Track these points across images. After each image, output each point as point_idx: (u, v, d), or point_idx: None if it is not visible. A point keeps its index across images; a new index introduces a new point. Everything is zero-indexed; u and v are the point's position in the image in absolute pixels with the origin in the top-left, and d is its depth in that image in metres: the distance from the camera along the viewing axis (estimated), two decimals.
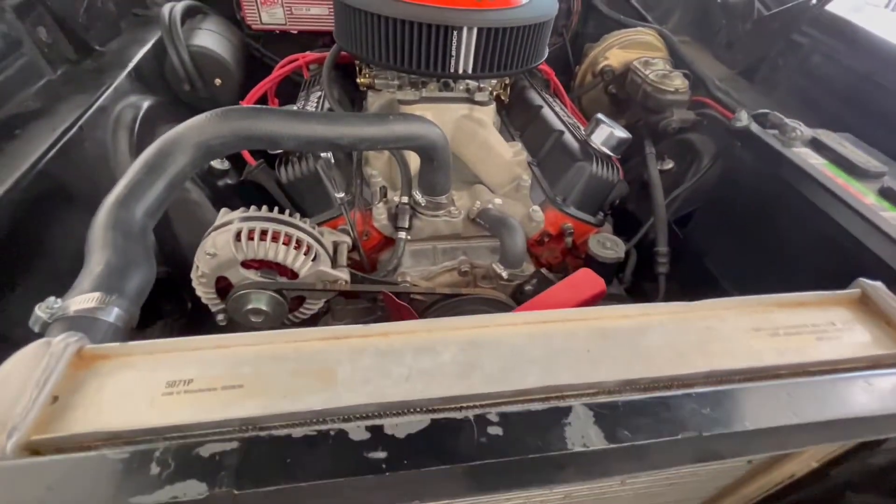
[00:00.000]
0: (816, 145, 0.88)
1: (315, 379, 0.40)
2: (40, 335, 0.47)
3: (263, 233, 0.78)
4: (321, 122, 0.72)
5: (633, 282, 1.12)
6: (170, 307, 1.09)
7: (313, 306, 0.88)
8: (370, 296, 0.94)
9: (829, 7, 1.19)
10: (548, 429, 0.31)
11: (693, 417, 0.33)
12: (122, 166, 0.95)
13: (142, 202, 0.59)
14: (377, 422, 0.31)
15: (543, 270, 0.94)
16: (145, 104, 1.06)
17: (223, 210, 0.84)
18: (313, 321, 0.94)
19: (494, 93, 1.15)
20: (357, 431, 0.30)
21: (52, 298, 0.45)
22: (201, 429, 0.36)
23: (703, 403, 0.34)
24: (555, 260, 1.11)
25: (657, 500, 0.74)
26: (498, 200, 1.01)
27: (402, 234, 0.95)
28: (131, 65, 1.09)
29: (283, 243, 0.79)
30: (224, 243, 0.76)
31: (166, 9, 1.17)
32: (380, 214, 0.96)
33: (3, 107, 0.87)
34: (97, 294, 0.47)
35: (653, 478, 0.64)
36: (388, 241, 1.02)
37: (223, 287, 0.83)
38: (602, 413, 0.33)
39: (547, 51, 1.05)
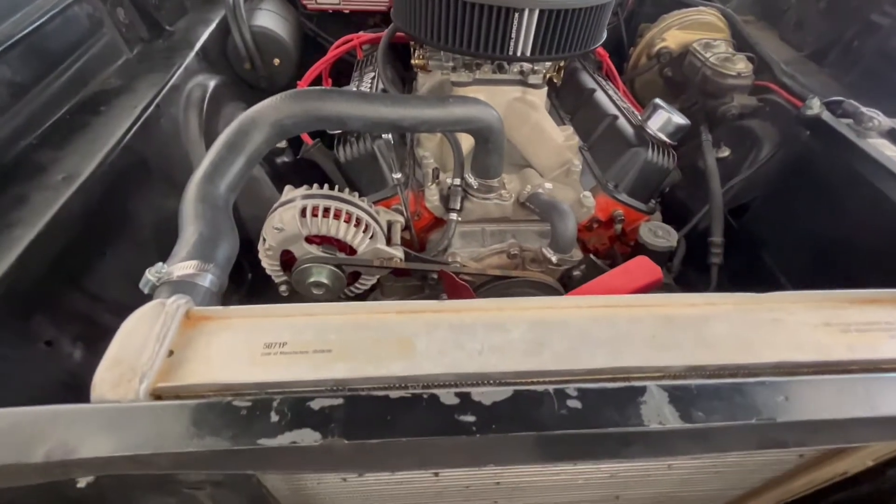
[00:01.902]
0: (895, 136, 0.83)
1: (396, 347, 0.43)
2: (142, 299, 0.52)
3: (326, 210, 0.82)
4: (386, 104, 0.74)
5: (681, 271, 1.11)
6: (230, 277, 1.16)
7: (367, 282, 0.92)
8: (420, 274, 0.97)
9: None
10: (625, 406, 0.33)
11: (767, 403, 0.34)
12: (192, 141, 1.01)
13: (225, 178, 0.63)
14: (465, 389, 0.33)
15: (592, 256, 0.94)
16: (212, 83, 1.11)
17: (287, 187, 0.88)
18: (362, 296, 0.98)
19: (548, 75, 1.14)
20: (447, 396, 0.33)
21: (160, 264, 0.50)
22: (299, 386, 0.40)
23: (777, 391, 0.35)
24: (602, 246, 1.11)
25: (701, 486, 0.75)
26: (548, 185, 1.01)
27: (454, 216, 0.97)
28: (198, 45, 1.14)
29: (345, 221, 0.82)
30: (290, 218, 0.80)
31: None
32: (432, 195, 0.98)
33: (88, 84, 0.94)
34: (195, 262, 0.52)
35: (701, 463, 0.65)
36: (439, 222, 1.04)
37: (286, 260, 0.88)
38: (677, 394, 0.34)
39: (605, 33, 1.03)
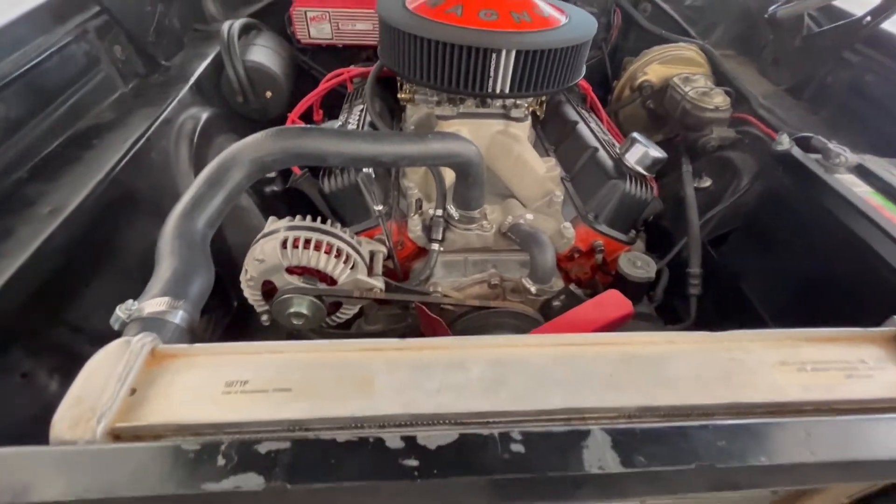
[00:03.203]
0: (862, 172, 0.86)
1: (355, 386, 0.44)
2: (117, 333, 0.53)
3: (307, 242, 0.83)
4: (365, 140, 0.77)
5: (665, 300, 1.12)
6: (216, 304, 1.17)
7: (349, 311, 0.93)
8: (402, 303, 0.98)
9: (883, 25, 1.15)
10: (567, 450, 0.34)
11: (708, 448, 0.35)
12: (182, 173, 1.04)
13: (203, 214, 0.65)
14: (411, 432, 0.34)
15: (572, 286, 0.95)
16: (204, 115, 1.15)
17: (271, 218, 0.90)
18: (347, 323, 0.99)
19: (530, 108, 1.18)
20: (393, 440, 0.34)
21: (130, 301, 0.52)
22: (256, 426, 0.40)
23: (720, 435, 0.36)
24: (584, 276, 1.12)
25: None
26: (529, 216, 1.03)
27: (436, 246, 0.98)
28: (192, 79, 1.18)
29: (325, 252, 0.84)
30: (271, 250, 0.82)
31: (225, 26, 1.26)
32: (415, 226, 1.00)
33: (82, 118, 0.97)
34: (166, 298, 0.53)
35: (674, 500, 0.64)
36: (422, 252, 1.06)
37: (268, 290, 0.89)
38: (619, 438, 0.35)
39: (584, 69, 1.06)
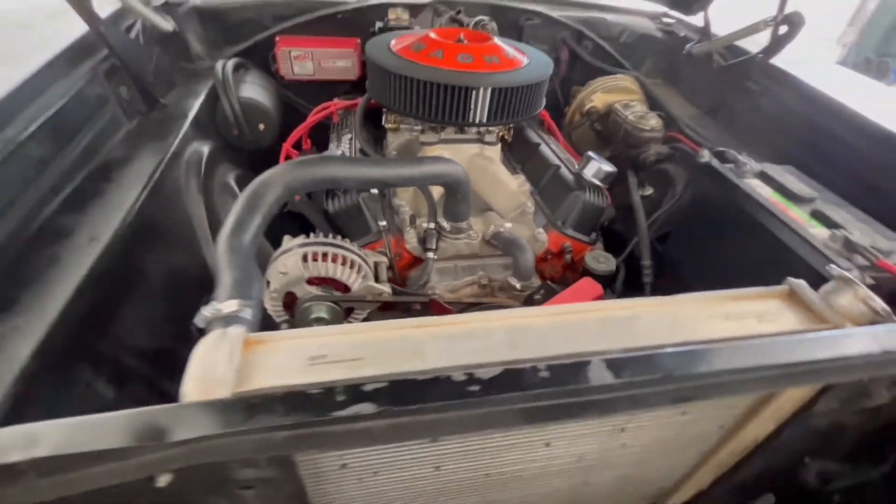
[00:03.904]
0: (764, 177, 1.10)
1: (411, 353, 0.58)
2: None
3: (324, 255, 0.96)
4: (375, 166, 0.91)
5: (623, 291, 1.31)
6: None
7: (360, 315, 1.05)
8: (405, 306, 1.11)
9: (773, 60, 1.44)
10: (577, 372, 0.49)
11: (668, 364, 0.51)
12: (193, 202, 1.13)
13: (248, 231, 0.76)
14: (477, 358, 0.48)
15: (549, 282, 1.12)
16: (206, 149, 1.24)
17: (286, 237, 1.01)
18: None
19: (500, 133, 1.37)
20: (458, 376, 0.48)
21: (212, 303, 0.62)
22: (341, 384, 0.53)
23: (675, 358, 0.52)
24: (556, 274, 1.30)
25: (652, 464, 0.91)
26: (508, 225, 1.20)
27: (431, 255, 1.13)
28: (191, 115, 1.27)
29: (341, 263, 0.96)
30: (294, 264, 0.93)
31: (219, 65, 1.37)
32: (411, 238, 1.14)
33: (98, 154, 1.05)
34: (236, 300, 0.64)
35: (647, 440, 0.81)
36: (416, 261, 1.20)
37: (286, 302, 1.00)
38: (611, 364, 0.51)
39: (544, 101, 1.27)
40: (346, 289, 0.99)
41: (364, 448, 0.59)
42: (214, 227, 1.18)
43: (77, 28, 1.09)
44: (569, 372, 0.50)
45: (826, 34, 5.62)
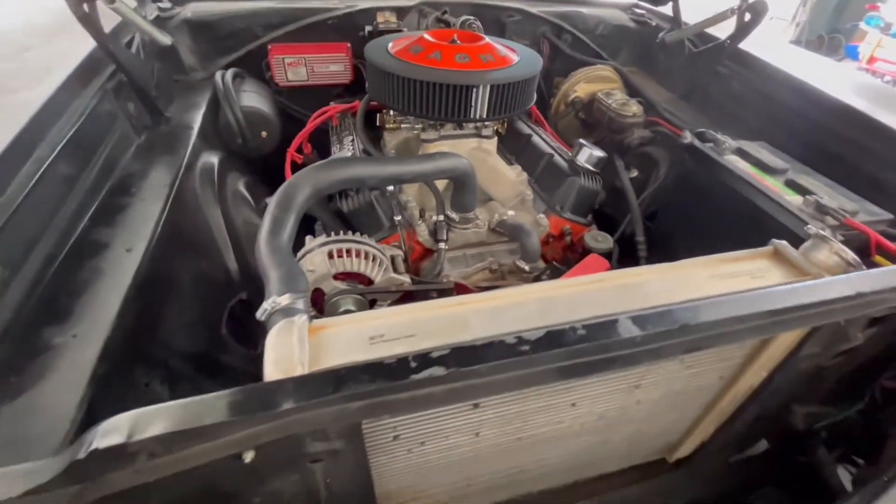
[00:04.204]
0: (741, 153, 1.21)
1: (459, 326, 0.65)
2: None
3: (348, 251, 1.01)
4: (392, 164, 0.97)
5: (620, 267, 1.41)
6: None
7: (383, 306, 1.11)
8: (423, 296, 1.18)
9: (741, 45, 1.56)
10: (609, 328, 0.57)
11: (683, 316, 0.60)
12: (210, 210, 1.17)
13: (284, 231, 0.82)
14: (518, 326, 0.56)
15: (554, 262, 1.21)
16: (215, 159, 1.28)
17: (308, 237, 1.07)
18: None
19: (495, 127, 1.44)
20: (510, 339, 0.55)
21: (272, 298, 0.67)
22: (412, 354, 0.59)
23: (687, 312, 0.61)
24: (558, 256, 1.39)
25: (662, 418, 1.01)
26: (511, 212, 1.28)
27: (443, 245, 1.20)
28: (196, 126, 1.30)
29: (364, 258, 1.02)
30: (321, 261, 0.99)
31: (219, 76, 1.40)
32: (422, 231, 1.21)
33: (116, 169, 1.08)
34: (289, 294, 0.69)
35: (658, 395, 0.91)
36: (427, 253, 1.27)
37: (313, 298, 1.05)
38: (636, 319, 0.59)
39: (536, 94, 1.35)
40: (369, 281, 1.05)
41: (428, 411, 0.66)
42: (232, 233, 1.22)
43: (79, 47, 1.12)
44: (602, 329, 0.58)
45: (782, 13, 5.88)
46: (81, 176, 0.97)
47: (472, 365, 0.52)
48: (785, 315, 0.66)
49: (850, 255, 0.76)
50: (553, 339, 0.56)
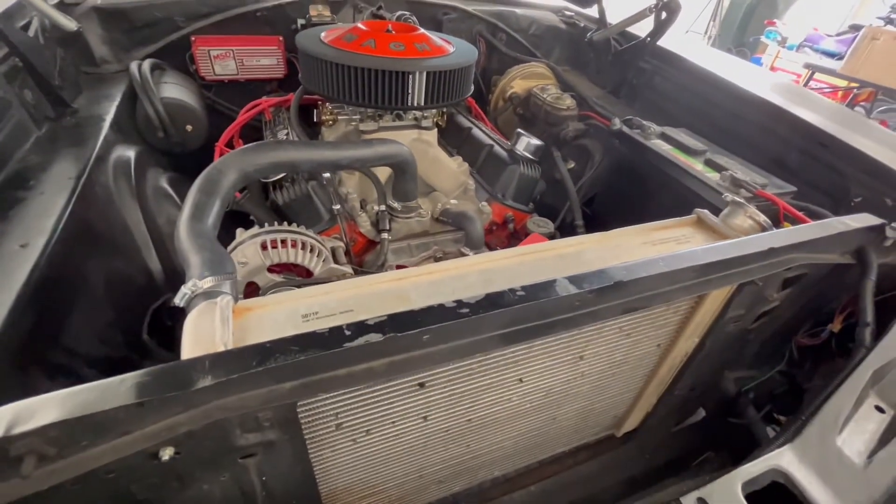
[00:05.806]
0: (665, 137, 1.29)
1: (398, 300, 0.63)
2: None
3: (283, 241, 0.96)
4: (327, 149, 0.94)
5: None
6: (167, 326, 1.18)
7: None
8: None
9: (660, 42, 1.67)
10: (548, 288, 0.58)
11: (617, 275, 0.62)
12: (127, 206, 1.07)
13: (208, 216, 0.75)
14: (459, 296, 0.54)
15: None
16: (132, 152, 1.17)
17: (239, 230, 1.00)
18: None
19: (435, 120, 1.44)
20: (449, 303, 0.54)
21: (192, 281, 0.61)
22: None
23: (620, 271, 0.63)
24: (501, 244, 1.40)
25: (608, 391, 1.03)
26: (454, 201, 1.28)
27: (385, 235, 1.17)
28: (109, 118, 1.19)
29: (301, 248, 0.97)
30: (253, 253, 0.93)
31: (134, 66, 1.29)
32: (364, 222, 1.18)
33: (9, 162, 0.96)
34: (212, 277, 0.64)
35: (601, 367, 0.93)
36: (371, 245, 1.23)
37: (247, 293, 0.98)
38: (572, 280, 0.60)
39: (472, 86, 1.36)
40: (307, 273, 1.00)
41: (370, 390, 0.62)
42: (153, 232, 1.12)
43: None
44: (540, 289, 0.58)
45: (697, 27, 6.43)
46: None
47: (411, 329, 0.50)
48: (710, 273, 0.69)
49: (763, 217, 0.82)
50: (493, 301, 0.56)
